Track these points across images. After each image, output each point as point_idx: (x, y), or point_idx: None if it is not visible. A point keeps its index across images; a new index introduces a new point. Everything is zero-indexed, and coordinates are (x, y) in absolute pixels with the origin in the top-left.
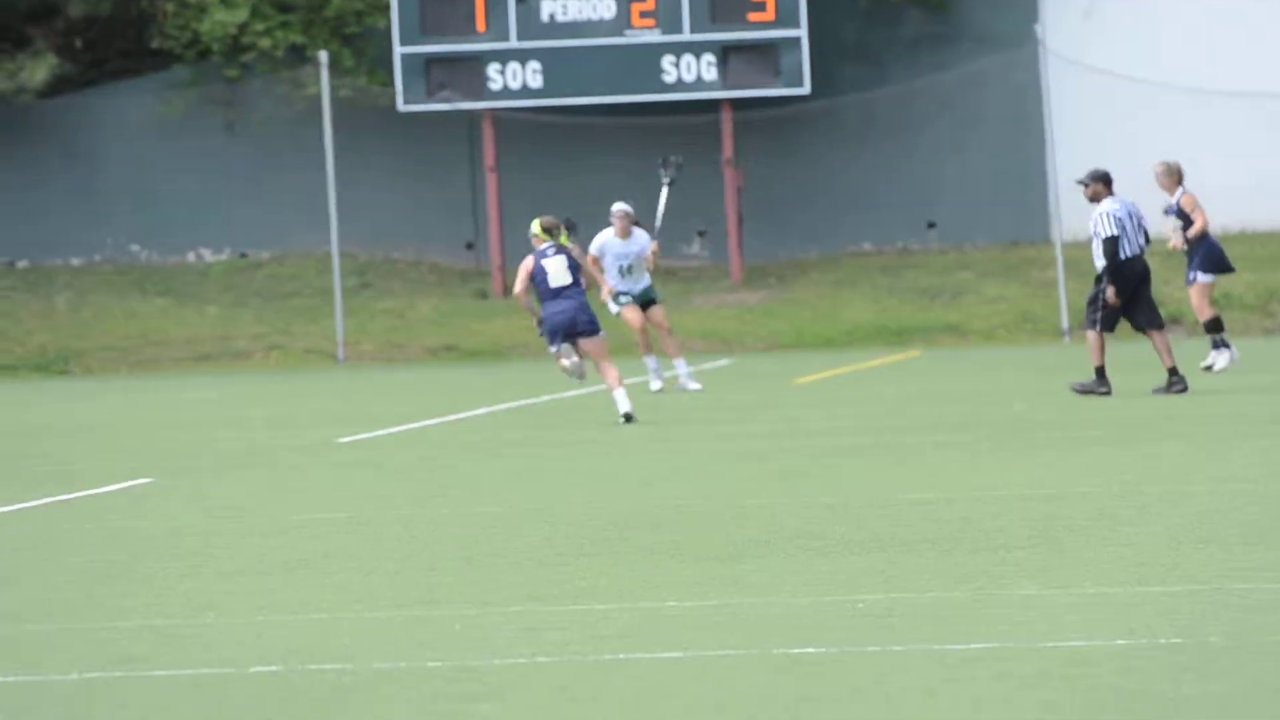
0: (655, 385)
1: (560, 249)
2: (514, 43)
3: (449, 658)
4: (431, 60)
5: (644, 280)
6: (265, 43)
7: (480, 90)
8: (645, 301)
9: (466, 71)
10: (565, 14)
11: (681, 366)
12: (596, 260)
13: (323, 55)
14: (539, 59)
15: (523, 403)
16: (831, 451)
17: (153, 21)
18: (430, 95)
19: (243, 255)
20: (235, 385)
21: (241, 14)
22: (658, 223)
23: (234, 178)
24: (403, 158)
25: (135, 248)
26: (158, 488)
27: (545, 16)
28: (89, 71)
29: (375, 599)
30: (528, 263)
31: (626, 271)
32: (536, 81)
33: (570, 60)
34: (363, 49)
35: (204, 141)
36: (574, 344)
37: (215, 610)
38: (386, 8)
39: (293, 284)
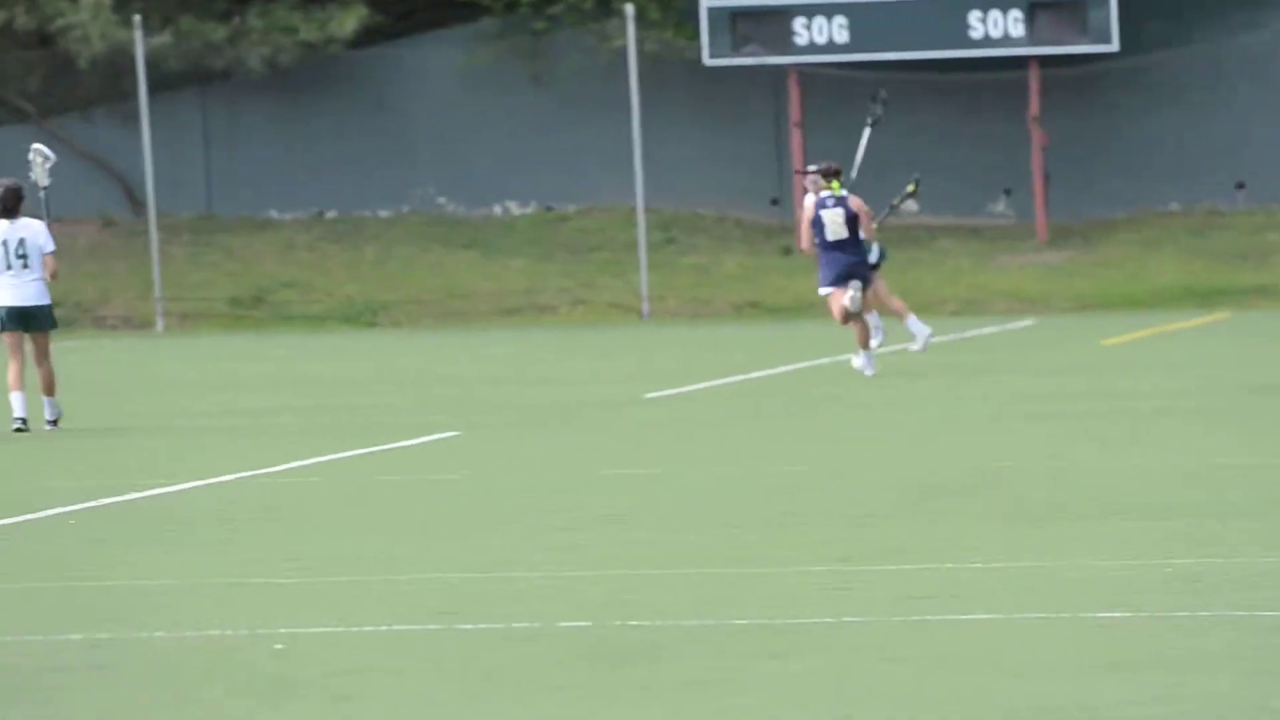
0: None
1: (839, 200)
2: None
3: (755, 616)
4: (738, 14)
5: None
6: None
7: (786, 45)
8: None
9: (773, 26)
10: None
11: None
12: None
13: (629, 8)
14: (845, 14)
15: (828, 360)
16: (1141, 414)
17: None
18: (736, 49)
19: (548, 208)
20: (540, 339)
21: None
22: (854, 172)
23: (540, 131)
24: (708, 112)
25: (442, 200)
26: (464, 441)
27: None
28: (398, 23)
29: (683, 556)
30: (809, 209)
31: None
32: (843, 36)
33: (877, 15)
34: (670, 2)
35: (510, 94)
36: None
37: (523, 565)
38: None
39: (598, 238)
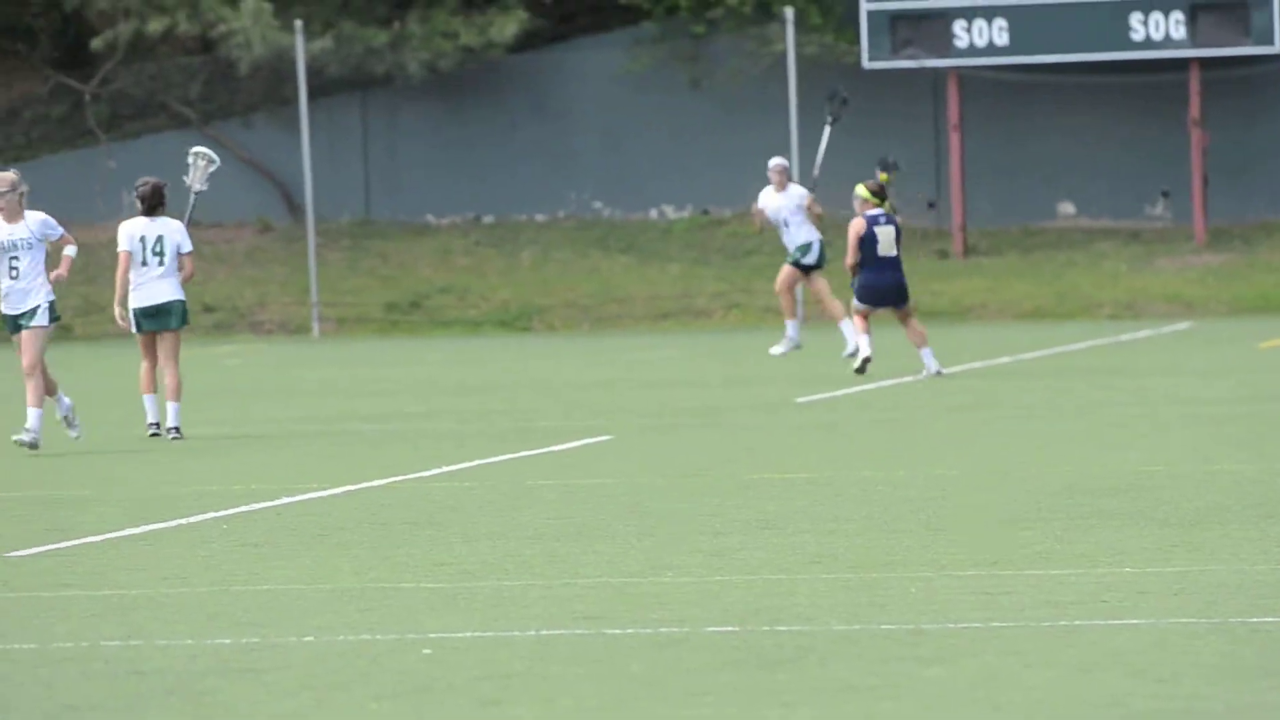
0: (779, 350)
1: (890, 218)
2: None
3: (904, 620)
4: (897, 17)
5: (799, 238)
6: None
7: (945, 47)
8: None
9: (932, 28)
10: None
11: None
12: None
13: (789, 12)
14: (1005, 16)
15: (982, 364)
16: None
17: None
18: (895, 52)
19: (704, 212)
20: (695, 344)
21: None
22: (816, 170)
23: (698, 134)
24: (866, 115)
25: (598, 204)
26: (618, 445)
27: None
28: (558, 27)
29: (833, 560)
30: (858, 226)
31: (783, 226)
32: (1002, 39)
33: (1037, 18)
34: (829, 6)
35: (669, 98)
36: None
37: (673, 569)
38: None
39: (753, 241)
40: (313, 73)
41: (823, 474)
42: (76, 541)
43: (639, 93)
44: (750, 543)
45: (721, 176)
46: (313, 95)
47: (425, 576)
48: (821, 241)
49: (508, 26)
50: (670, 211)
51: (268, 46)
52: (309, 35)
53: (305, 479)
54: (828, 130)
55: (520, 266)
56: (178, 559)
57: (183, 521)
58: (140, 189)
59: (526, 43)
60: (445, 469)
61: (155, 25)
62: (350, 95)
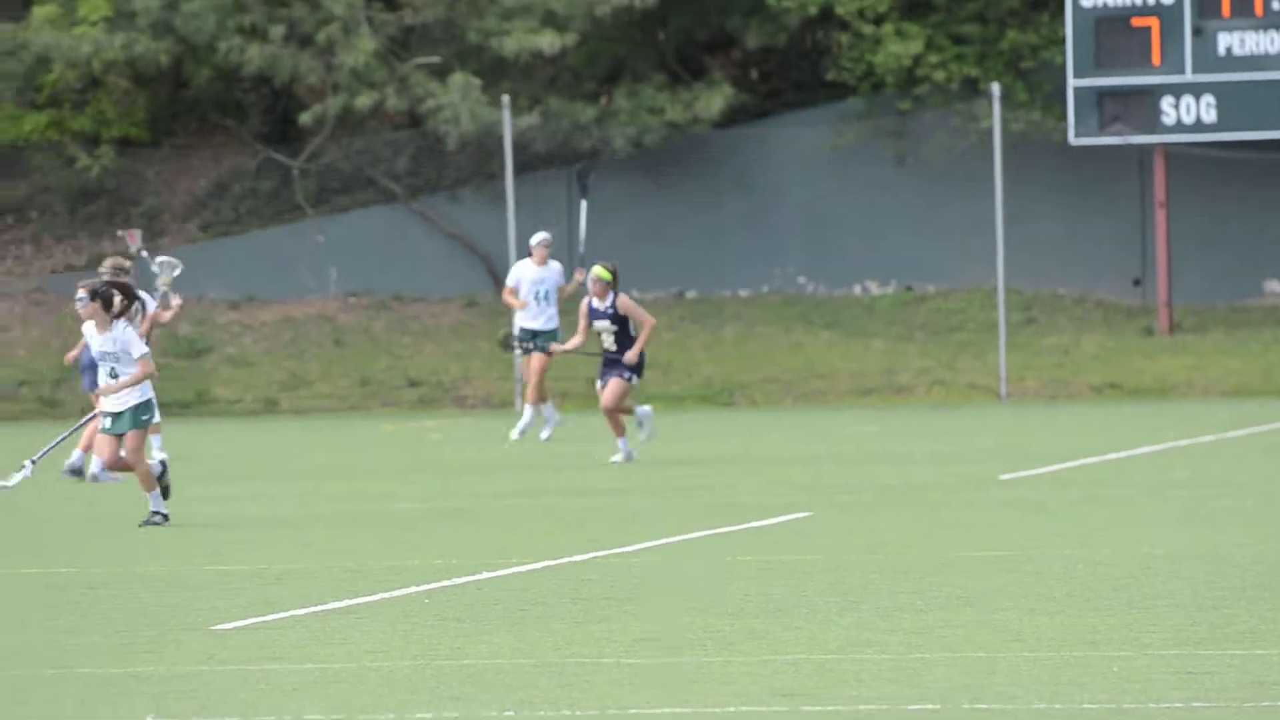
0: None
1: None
2: (1189, 76)
3: (1105, 700)
4: (1104, 93)
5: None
6: (939, 75)
7: (1153, 124)
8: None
9: (1139, 105)
10: (1242, 47)
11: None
12: (513, 290)
13: (995, 88)
14: (1214, 93)
15: (1187, 442)
16: None
17: (827, 53)
18: (1102, 129)
19: (908, 288)
20: (897, 420)
21: (916, 46)
22: (581, 247)
23: (902, 210)
24: (1071, 192)
25: (802, 279)
26: (819, 521)
27: (1221, 50)
28: (764, 102)
29: (1034, 638)
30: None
31: (543, 298)
32: (1210, 116)
33: (1246, 94)
34: (1036, 82)
35: (874, 173)
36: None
37: (874, 646)
38: (1061, 41)
39: (957, 318)
40: (519, 148)
41: (1024, 551)
42: (282, 614)
43: (844, 168)
44: (951, 620)
45: (926, 252)
46: (519, 170)
47: (625, 652)
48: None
49: (714, 102)
50: (874, 287)
51: (475, 122)
52: (516, 111)
53: (506, 553)
54: (584, 206)
55: (723, 341)
56: (380, 633)
57: (385, 595)
58: (100, 289)
59: (732, 118)
60: (647, 544)
61: (364, 100)
62: (556, 170)
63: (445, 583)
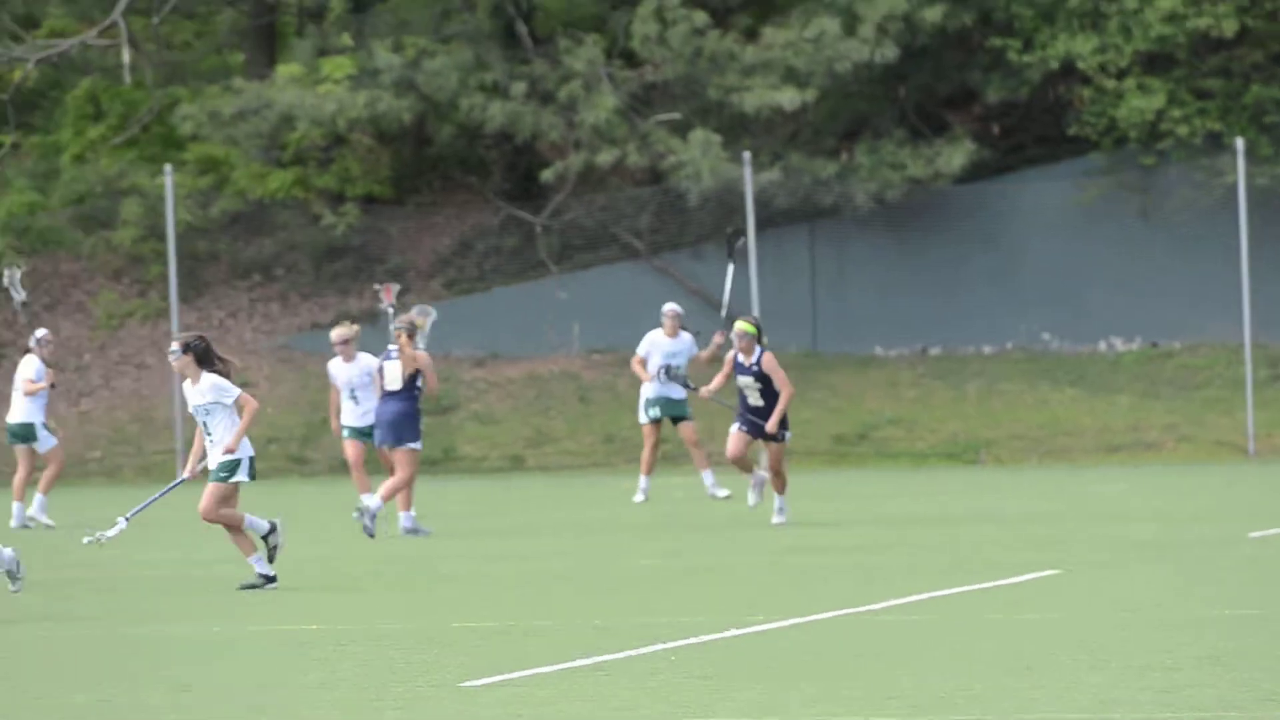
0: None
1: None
2: None
3: None
4: None
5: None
6: (1183, 130)
7: None
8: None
9: None
10: None
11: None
12: (642, 360)
13: (1239, 143)
14: None
15: None
16: None
17: (1069, 108)
18: None
19: (1154, 344)
20: (1144, 477)
21: (1159, 101)
22: (723, 310)
23: (1147, 266)
24: None
25: (1046, 335)
26: (1067, 579)
27: None
28: (1006, 157)
29: None
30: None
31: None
32: None
33: None
34: None
35: (1117, 228)
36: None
37: (1123, 705)
38: None
39: (1204, 374)
40: (760, 204)
41: (1275, 610)
42: (530, 671)
43: (1087, 223)
44: (1201, 679)
45: (1171, 308)
46: (760, 226)
47: (875, 710)
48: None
49: (955, 157)
50: (1119, 343)
51: (716, 178)
52: (757, 166)
53: (754, 610)
54: (731, 269)
55: (967, 398)
56: (628, 690)
57: (633, 652)
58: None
59: (974, 173)
60: (893, 601)
61: (605, 157)
62: (797, 226)
63: (692, 640)
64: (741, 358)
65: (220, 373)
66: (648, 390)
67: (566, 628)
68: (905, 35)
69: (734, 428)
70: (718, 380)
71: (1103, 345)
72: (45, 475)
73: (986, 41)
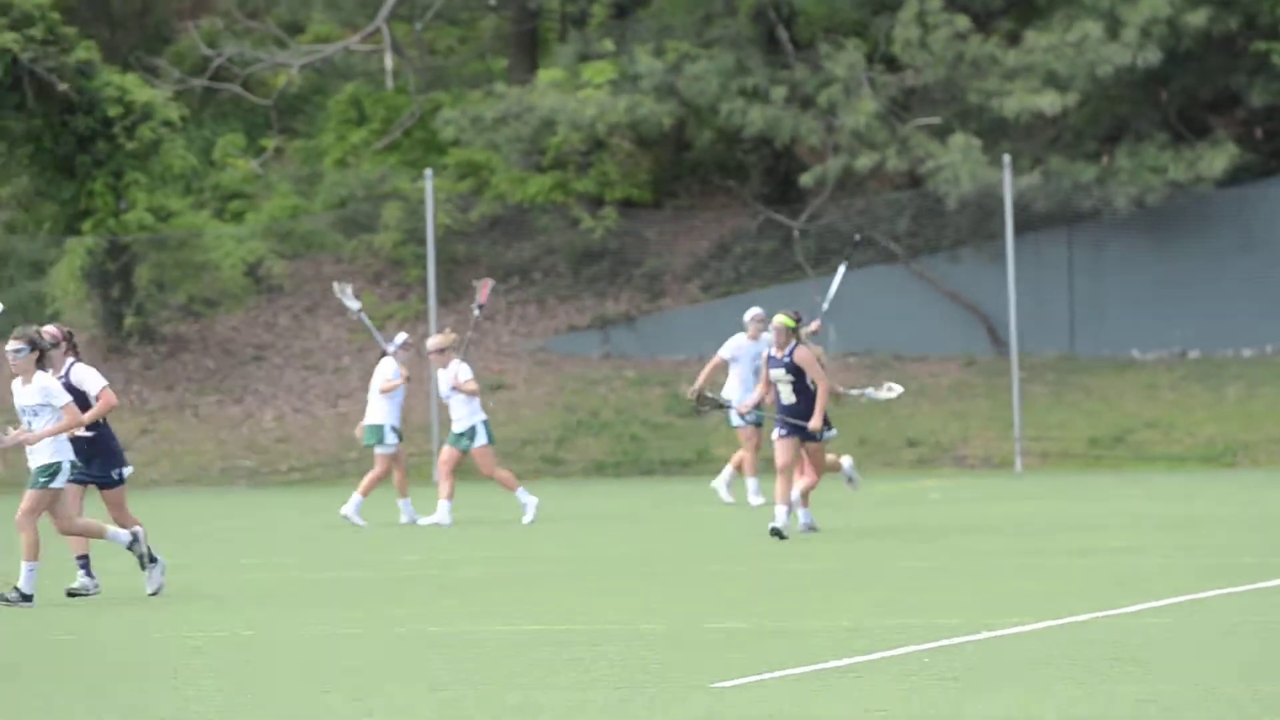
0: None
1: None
2: None
3: None
4: None
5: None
6: None
7: None
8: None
9: None
10: None
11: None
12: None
13: None
14: None
15: None
16: None
17: None
18: None
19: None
20: None
21: None
22: (825, 304)
23: None
24: None
25: None
26: None
27: None
28: (1269, 161)
29: None
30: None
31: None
32: None
33: None
34: None
35: None
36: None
37: None
38: None
39: None
40: (1019, 208)
41: None
42: (781, 673)
43: None
44: None
45: None
46: (1019, 230)
47: (1131, 714)
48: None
49: (1217, 161)
50: None
51: (975, 182)
52: (1016, 170)
53: (1007, 613)
54: (841, 269)
55: (1226, 401)
56: (879, 691)
57: (884, 654)
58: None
59: (1235, 177)
60: (1149, 604)
61: (864, 161)
62: (1056, 230)
63: (945, 641)
64: (774, 350)
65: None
66: (729, 391)
67: (818, 629)
68: (1169, 39)
69: (775, 434)
70: (758, 389)
71: None
72: (396, 479)
73: (1251, 45)
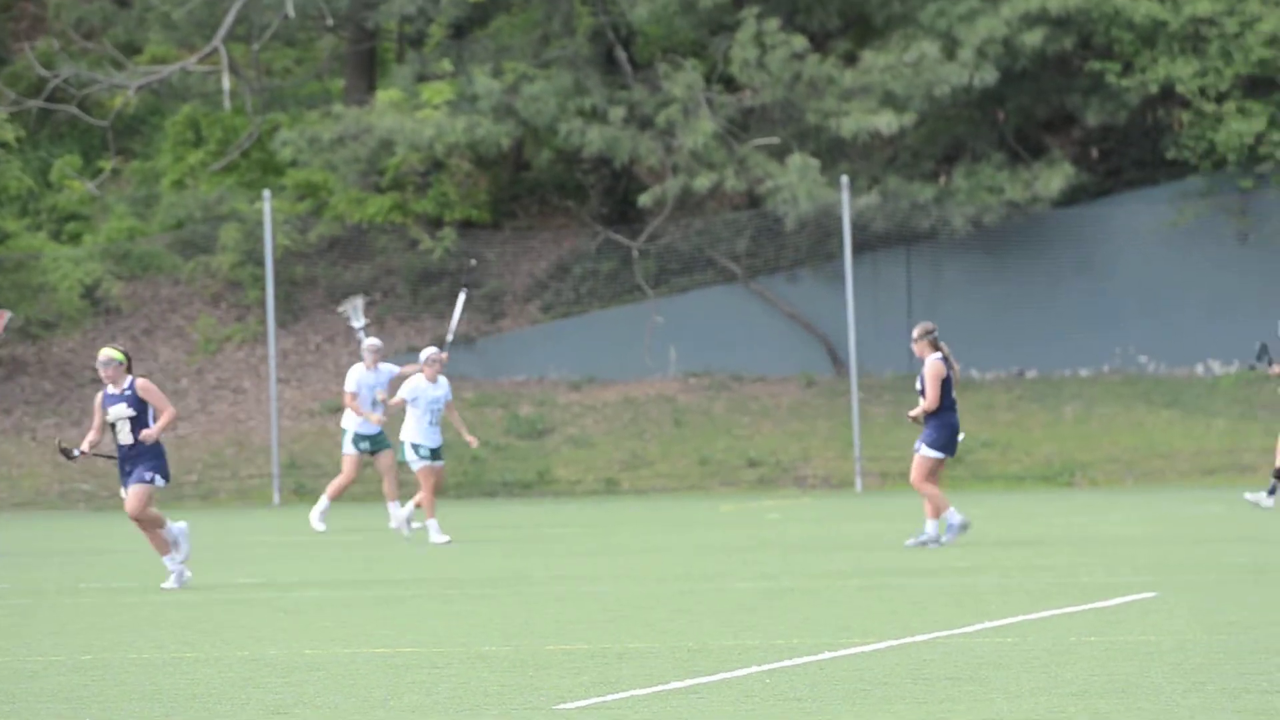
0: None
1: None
2: None
3: None
4: None
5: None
6: None
7: None
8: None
9: None
10: None
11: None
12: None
13: None
14: None
15: None
16: None
17: (1168, 131)
18: None
19: (1251, 367)
20: (1241, 500)
21: (1259, 124)
22: (450, 336)
23: (1245, 288)
24: None
25: (1143, 358)
26: (1163, 601)
27: None
28: (1104, 181)
29: None
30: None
31: (379, 404)
32: None
33: None
34: None
35: (1215, 251)
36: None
37: None
38: None
39: None
40: (858, 228)
41: None
42: (624, 694)
43: (1185, 246)
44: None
45: (1268, 330)
46: (857, 250)
47: None
48: None
49: (1053, 181)
50: (1216, 366)
51: (813, 202)
52: (854, 191)
53: (847, 633)
54: (462, 297)
55: (1063, 421)
56: (722, 712)
57: (726, 675)
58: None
59: (1072, 197)
60: (988, 624)
61: (703, 181)
62: (894, 250)
63: (786, 662)
64: (111, 388)
65: None
66: (365, 427)
67: (661, 650)
68: (1005, 59)
69: (124, 489)
70: (92, 434)
71: (1200, 368)
72: (424, 498)
73: (1086, 65)
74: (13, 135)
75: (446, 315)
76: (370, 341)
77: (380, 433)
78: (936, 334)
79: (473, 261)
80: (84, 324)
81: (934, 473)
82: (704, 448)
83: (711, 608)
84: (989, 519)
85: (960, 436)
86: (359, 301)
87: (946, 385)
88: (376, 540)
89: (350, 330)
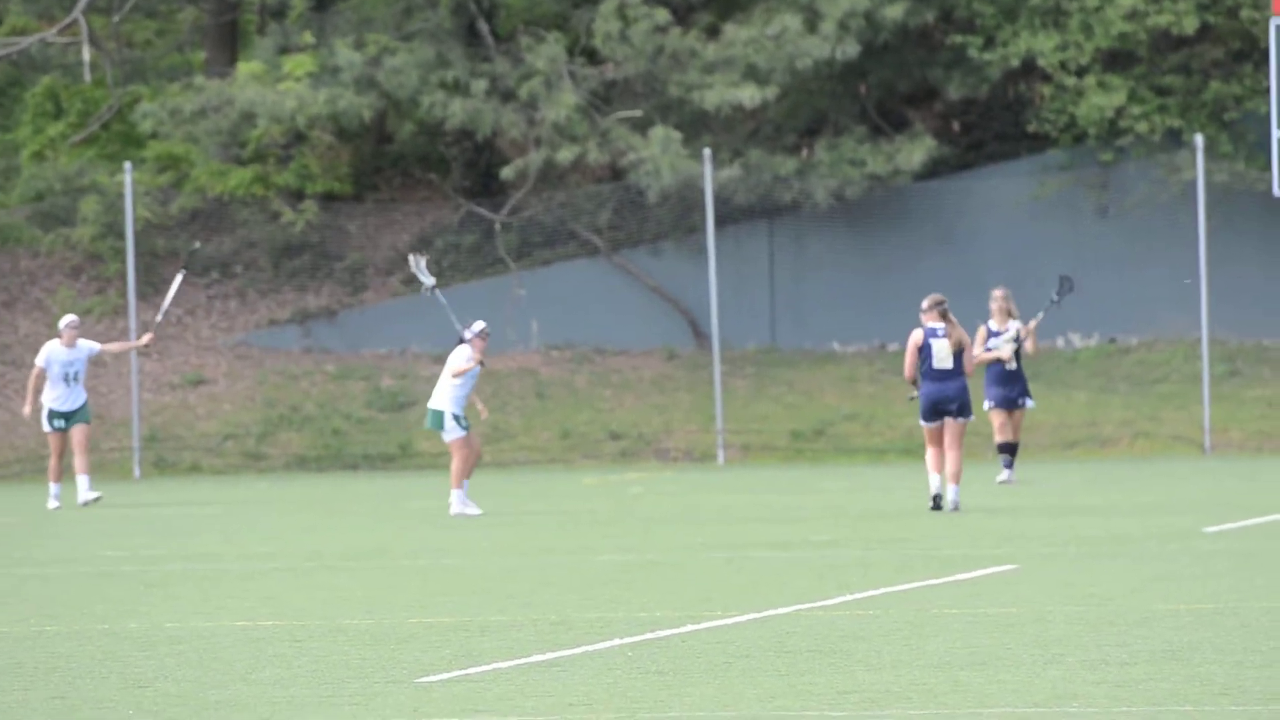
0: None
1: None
2: None
3: None
4: None
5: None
6: (1142, 127)
7: None
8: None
9: None
10: None
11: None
12: (42, 372)
13: (1199, 139)
14: None
15: None
16: None
17: (1029, 105)
18: None
19: (1111, 340)
20: (1101, 472)
21: (1119, 98)
22: (160, 316)
23: (1105, 262)
24: (1275, 243)
25: None
26: (1023, 574)
27: None
28: (966, 154)
29: (1241, 692)
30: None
31: (73, 379)
32: None
33: None
34: (1240, 133)
35: (1075, 225)
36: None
37: (1078, 699)
38: (1265, 92)
39: (1160, 370)
40: (720, 201)
41: (1230, 604)
42: (486, 667)
43: (1046, 220)
44: (1156, 674)
45: (1128, 304)
46: (719, 223)
47: (830, 705)
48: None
49: (915, 154)
50: (1076, 339)
51: (676, 175)
52: (717, 164)
53: (710, 606)
54: (179, 278)
55: None
56: (584, 685)
57: (589, 648)
58: None
59: (933, 170)
60: (850, 596)
61: (565, 154)
62: (757, 223)
63: (649, 635)
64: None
65: None
66: (52, 401)
67: (523, 623)
68: (867, 32)
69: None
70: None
71: (1060, 341)
72: (453, 467)
73: (948, 39)
74: None
75: (308, 288)
76: (68, 318)
77: (80, 409)
78: (946, 305)
79: (196, 244)
80: None
81: (933, 439)
82: (566, 421)
83: (574, 581)
84: (852, 491)
85: (913, 399)
86: (422, 260)
87: (925, 353)
88: (236, 514)
89: (428, 291)
